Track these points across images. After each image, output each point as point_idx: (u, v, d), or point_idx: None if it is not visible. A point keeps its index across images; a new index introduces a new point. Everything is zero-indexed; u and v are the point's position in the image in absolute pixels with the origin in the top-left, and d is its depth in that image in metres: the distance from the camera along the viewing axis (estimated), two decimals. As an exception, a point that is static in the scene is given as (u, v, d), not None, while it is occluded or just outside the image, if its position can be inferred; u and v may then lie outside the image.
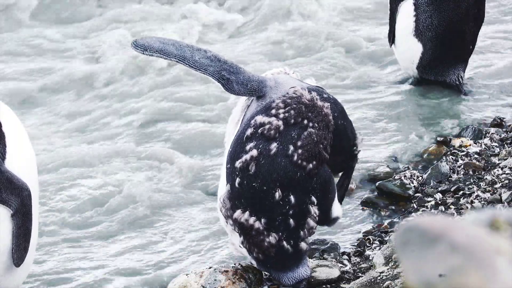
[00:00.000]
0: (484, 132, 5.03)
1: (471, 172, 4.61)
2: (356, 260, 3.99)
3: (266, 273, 3.73)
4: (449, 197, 4.39)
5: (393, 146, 5.03)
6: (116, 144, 5.26)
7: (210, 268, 3.71)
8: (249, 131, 3.50)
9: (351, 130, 3.70)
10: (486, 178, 4.49)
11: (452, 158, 4.76)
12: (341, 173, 3.80)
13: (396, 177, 4.62)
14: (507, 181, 4.40)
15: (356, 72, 6.05)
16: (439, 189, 4.47)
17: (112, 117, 5.63)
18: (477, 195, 4.33)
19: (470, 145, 4.89)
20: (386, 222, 4.29)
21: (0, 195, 3.30)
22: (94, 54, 6.61)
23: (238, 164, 3.49)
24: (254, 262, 3.68)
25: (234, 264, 3.77)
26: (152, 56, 3.68)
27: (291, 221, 3.50)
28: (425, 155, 4.91)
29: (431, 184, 4.54)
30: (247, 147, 3.49)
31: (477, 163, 4.69)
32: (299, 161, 3.46)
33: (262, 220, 3.49)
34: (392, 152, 4.95)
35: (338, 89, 5.80)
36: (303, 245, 3.55)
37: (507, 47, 6.39)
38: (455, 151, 4.85)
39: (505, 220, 1.69)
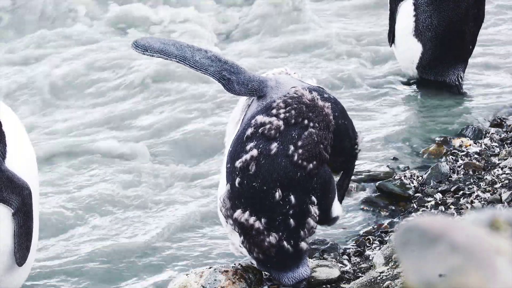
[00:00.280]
0: (484, 132, 5.03)
1: (471, 172, 4.61)
2: (356, 260, 3.99)
3: (266, 273, 3.74)
4: (449, 197, 4.39)
5: (393, 146, 5.04)
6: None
7: (210, 268, 3.71)
8: (250, 131, 3.50)
9: (352, 129, 3.70)
10: (486, 178, 4.49)
11: (452, 158, 4.76)
12: (341, 172, 3.80)
13: (396, 177, 4.62)
14: (507, 181, 4.40)
15: (356, 72, 6.05)
16: (439, 189, 4.47)
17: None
18: (477, 195, 4.34)
19: (470, 145, 4.89)
20: (386, 222, 4.29)
21: (1, 194, 3.31)
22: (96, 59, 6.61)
23: (238, 163, 3.49)
24: (254, 262, 3.68)
25: (234, 264, 3.77)
26: (153, 56, 3.68)
27: (291, 221, 3.50)
28: (425, 155, 4.92)
29: (431, 184, 4.54)
30: (248, 147, 3.49)
31: (477, 163, 4.69)
32: (300, 161, 3.46)
33: (262, 220, 3.49)
34: (392, 152, 4.96)
35: (338, 89, 5.81)
36: (303, 245, 3.55)
37: (507, 46, 6.39)
38: (455, 151, 4.85)
39: (505, 220, 1.69)
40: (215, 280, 3.62)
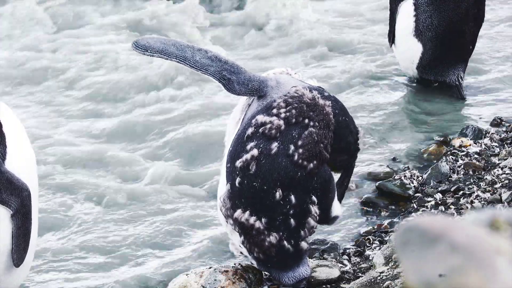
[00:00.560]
0: (484, 132, 5.03)
1: (471, 172, 4.61)
2: (356, 260, 3.99)
3: (266, 273, 3.74)
4: (449, 197, 4.39)
5: (393, 146, 5.04)
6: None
7: (210, 268, 3.71)
8: (250, 131, 3.50)
9: (353, 125, 3.70)
10: (486, 178, 4.49)
11: (452, 158, 4.76)
12: (341, 171, 3.80)
13: (396, 177, 4.62)
14: (507, 181, 4.40)
15: (356, 72, 6.05)
16: (439, 189, 4.47)
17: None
18: (477, 195, 4.34)
19: (470, 145, 4.89)
20: (386, 222, 4.29)
21: (0, 195, 3.31)
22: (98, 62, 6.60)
23: (238, 163, 3.49)
24: (254, 262, 3.68)
25: (234, 264, 3.77)
26: (153, 56, 3.67)
27: (292, 220, 3.50)
28: (425, 155, 4.92)
29: (431, 184, 4.54)
30: (248, 147, 3.49)
31: (477, 163, 4.69)
32: (300, 161, 3.46)
33: (263, 220, 3.49)
34: (392, 152, 4.96)
35: (338, 89, 5.80)
36: (304, 244, 3.55)
37: (507, 46, 6.39)
38: (455, 151, 4.84)
39: (505, 220, 1.69)
40: (215, 280, 3.63)
